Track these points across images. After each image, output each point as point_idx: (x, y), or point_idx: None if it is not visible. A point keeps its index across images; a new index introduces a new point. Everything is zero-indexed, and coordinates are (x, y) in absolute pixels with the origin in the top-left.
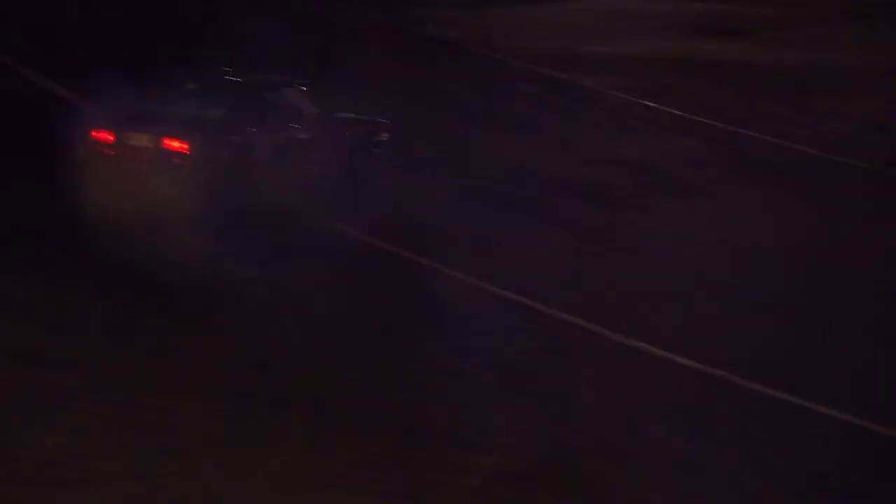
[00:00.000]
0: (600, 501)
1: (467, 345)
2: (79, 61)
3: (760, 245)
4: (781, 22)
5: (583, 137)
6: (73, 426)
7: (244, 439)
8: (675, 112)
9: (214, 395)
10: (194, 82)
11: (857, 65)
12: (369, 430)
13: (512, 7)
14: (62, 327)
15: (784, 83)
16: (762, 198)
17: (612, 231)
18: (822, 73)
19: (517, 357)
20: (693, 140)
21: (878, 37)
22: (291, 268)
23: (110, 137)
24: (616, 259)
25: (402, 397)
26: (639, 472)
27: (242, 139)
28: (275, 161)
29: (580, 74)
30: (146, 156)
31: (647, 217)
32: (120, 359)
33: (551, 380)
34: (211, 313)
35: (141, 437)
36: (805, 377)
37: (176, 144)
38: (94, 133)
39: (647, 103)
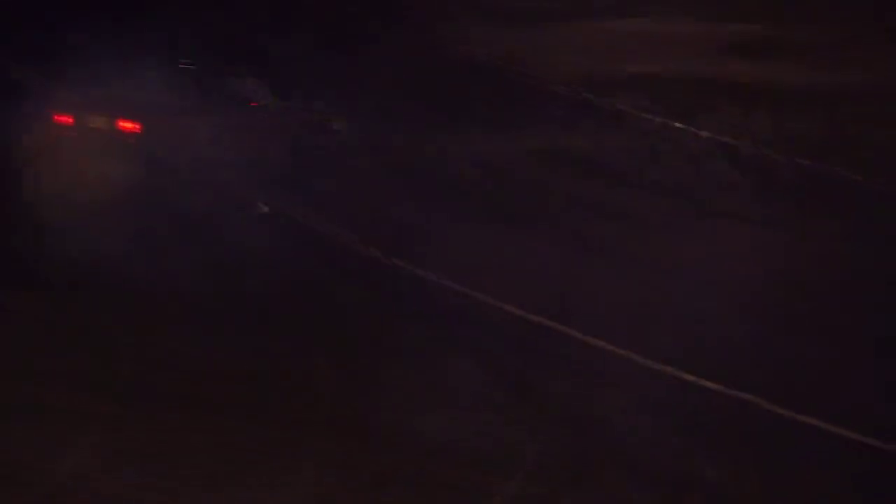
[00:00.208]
0: None
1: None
2: (42, 46)
3: (791, 267)
4: (813, 44)
5: (610, 159)
6: None
7: (265, 458)
8: (705, 134)
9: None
10: (151, 70)
11: (889, 87)
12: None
13: (541, 27)
14: None
15: (815, 105)
16: (792, 220)
17: (638, 252)
18: (853, 96)
19: (536, 376)
20: (722, 162)
21: None
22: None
23: (71, 120)
24: (641, 280)
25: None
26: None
27: (191, 123)
28: (222, 143)
29: (608, 95)
30: (103, 136)
31: (674, 239)
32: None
33: (576, 402)
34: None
35: None
36: (837, 402)
37: (129, 126)
38: (56, 116)
39: (677, 125)
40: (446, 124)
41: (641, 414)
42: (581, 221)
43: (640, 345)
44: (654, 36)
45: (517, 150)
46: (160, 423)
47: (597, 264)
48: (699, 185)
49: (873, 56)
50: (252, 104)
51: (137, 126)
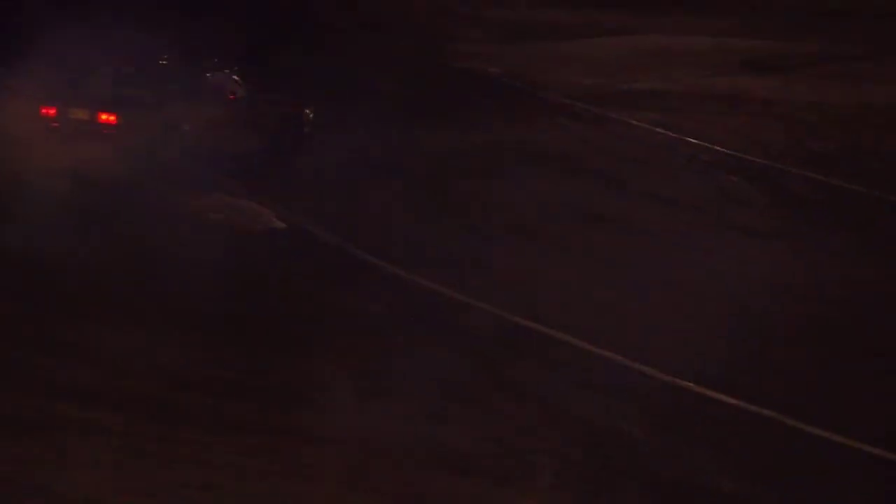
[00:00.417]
0: None
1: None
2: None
3: (804, 281)
4: (825, 59)
5: (623, 173)
6: None
7: (278, 472)
8: (718, 148)
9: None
10: (129, 66)
11: None
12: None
13: (554, 44)
14: None
15: (828, 119)
16: (805, 234)
17: (650, 266)
18: (865, 110)
19: (549, 389)
20: (736, 176)
21: None
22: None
23: (54, 112)
24: (654, 294)
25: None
26: None
27: (166, 115)
28: (197, 134)
29: (623, 110)
30: (83, 127)
31: (687, 251)
32: None
33: (594, 415)
34: None
35: None
36: (854, 416)
37: (105, 117)
38: (42, 108)
39: (690, 139)
40: (448, 129)
41: (658, 427)
42: (593, 234)
43: (656, 358)
44: (667, 51)
45: (529, 163)
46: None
47: (609, 277)
48: (713, 198)
49: (883, 71)
50: (230, 97)
51: (116, 118)
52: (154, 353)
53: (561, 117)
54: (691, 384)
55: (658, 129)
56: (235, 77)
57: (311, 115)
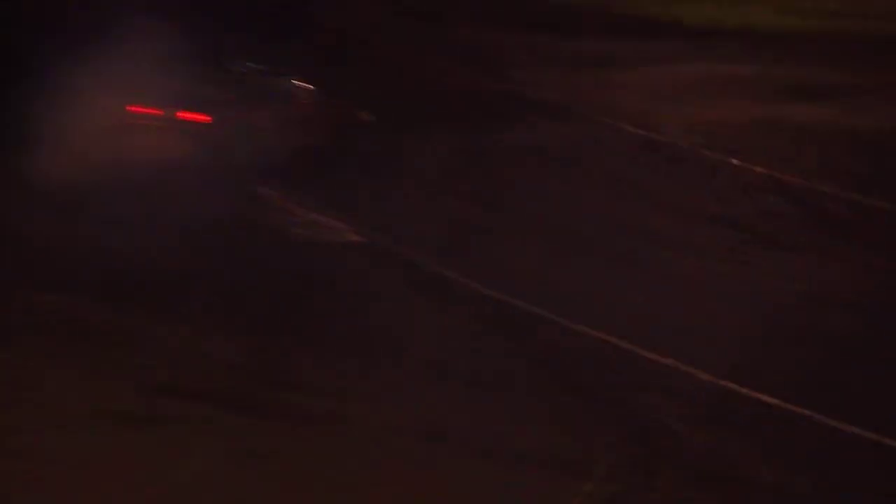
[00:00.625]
0: None
1: None
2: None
3: (836, 290)
4: (859, 88)
5: (671, 192)
6: None
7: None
8: (758, 169)
9: None
10: (221, 72)
11: None
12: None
13: (606, 72)
14: None
15: (859, 143)
16: (839, 249)
17: (697, 276)
18: (893, 135)
19: (603, 389)
20: (775, 196)
21: None
22: None
23: (155, 112)
24: (699, 302)
25: None
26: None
27: (248, 115)
28: (272, 132)
29: (670, 134)
30: (179, 125)
31: (731, 265)
32: None
33: (642, 413)
34: None
35: None
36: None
37: (199, 118)
38: (133, 108)
39: (733, 161)
40: (510, 155)
41: (703, 424)
42: (644, 248)
43: (702, 361)
44: (712, 80)
45: (586, 182)
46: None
47: (657, 286)
48: (754, 215)
49: None
50: (300, 101)
51: (205, 117)
52: (237, 353)
53: (612, 138)
54: (734, 385)
55: (705, 151)
56: (305, 84)
57: (368, 118)
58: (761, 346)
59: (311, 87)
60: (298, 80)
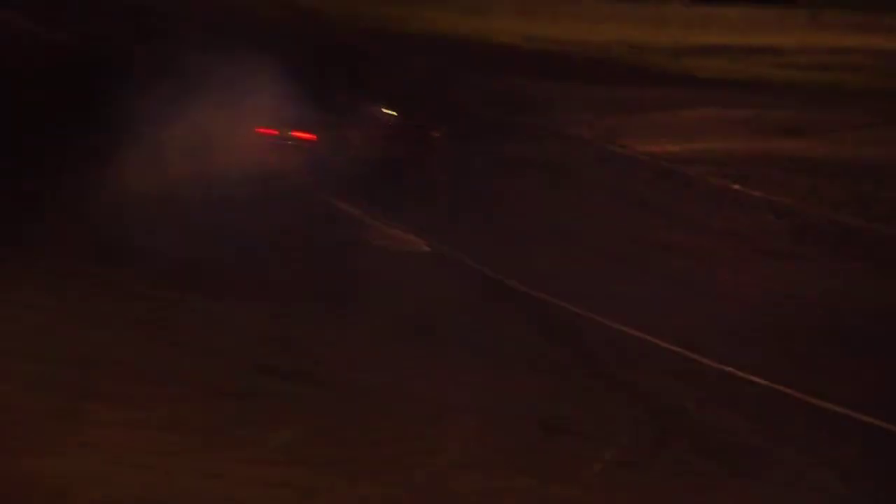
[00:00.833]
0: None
1: None
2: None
3: (820, 293)
4: (843, 126)
5: (682, 211)
6: None
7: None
8: (756, 193)
9: None
10: (325, 102)
11: None
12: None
13: (632, 114)
14: None
15: (845, 173)
16: (826, 260)
17: (705, 280)
18: (868, 165)
19: (646, 383)
20: (771, 215)
21: None
22: None
23: (275, 132)
24: (708, 303)
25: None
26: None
27: (345, 134)
28: (364, 149)
29: (683, 164)
30: (292, 142)
31: (733, 270)
32: None
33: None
34: None
35: None
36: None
37: (308, 136)
38: (259, 129)
39: (735, 187)
40: (551, 183)
41: (709, 403)
42: (659, 256)
43: (709, 350)
44: (717, 120)
45: (614, 204)
46: None
47: (670, 287)
48: (753, 231)
49: (885, 135)
50: (384, 123)
51: (312, 136)
52: (319, 340)
53: (637, 168)
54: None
55: (710, 178)
56: (387, 109)
57: (441, 137)
58: (760, 338)
59: (395, 113)
60: (385, 108)
